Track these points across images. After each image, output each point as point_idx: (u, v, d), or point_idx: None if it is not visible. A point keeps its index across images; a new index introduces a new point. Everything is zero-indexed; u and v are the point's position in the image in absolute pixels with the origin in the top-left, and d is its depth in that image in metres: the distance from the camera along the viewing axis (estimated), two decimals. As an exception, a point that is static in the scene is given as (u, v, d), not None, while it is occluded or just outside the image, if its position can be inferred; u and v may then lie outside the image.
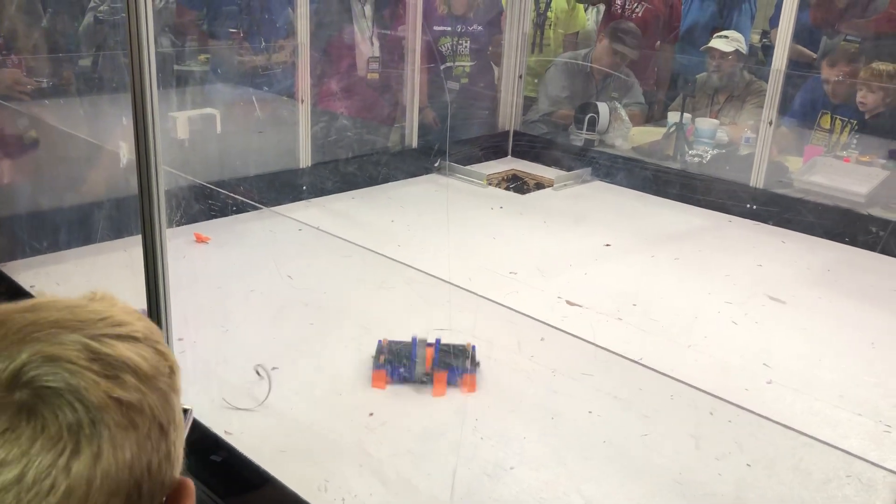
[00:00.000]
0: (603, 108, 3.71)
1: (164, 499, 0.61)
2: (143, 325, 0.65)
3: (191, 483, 0.64)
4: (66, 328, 0.59)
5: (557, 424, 1.72)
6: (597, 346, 1.42)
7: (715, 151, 3.47)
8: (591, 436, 1.70)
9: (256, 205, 2.48)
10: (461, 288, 1.44)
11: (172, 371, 0.64)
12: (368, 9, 3.58)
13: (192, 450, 1.39)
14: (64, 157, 2.54)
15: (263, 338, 2.03)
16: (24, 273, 2.29)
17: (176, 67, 3.27)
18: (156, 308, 1.49)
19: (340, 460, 1.52)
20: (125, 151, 1.57)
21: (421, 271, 1.51)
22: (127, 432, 0.57)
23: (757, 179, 3.16)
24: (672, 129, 3.57)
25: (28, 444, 0.53)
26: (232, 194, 2.28)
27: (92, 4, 3.05)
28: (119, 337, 0.61)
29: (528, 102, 4.09)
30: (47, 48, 2.77)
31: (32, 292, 2.16)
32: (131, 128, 1.38)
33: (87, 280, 2.24)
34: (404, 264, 1.57)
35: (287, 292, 2.26)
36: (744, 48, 3.62)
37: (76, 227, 2.43)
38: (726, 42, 3.57)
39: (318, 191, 3.11)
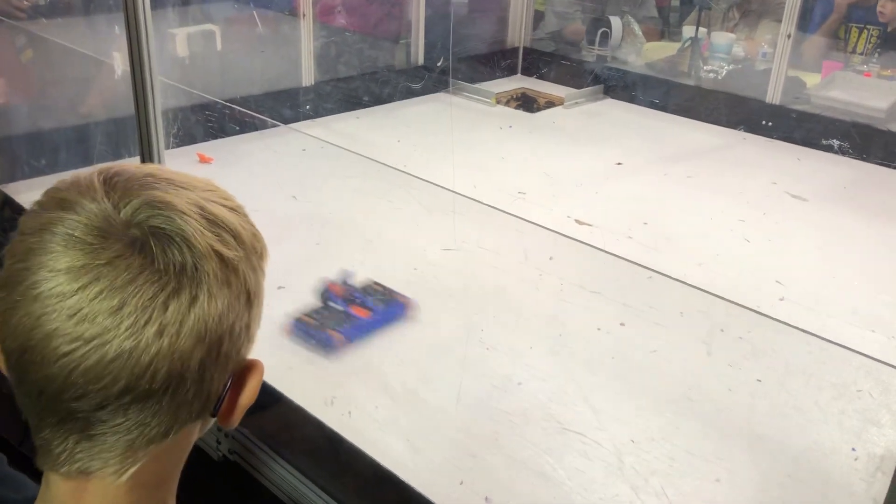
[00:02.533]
0: (616, 22, 3.59)
1: (233, 372, 0.64)
2: (244, 210, 0.69)
3: (261, 364, 0.67)
4: (179, 186, 0.63)
5: (565, 336, 1.71)
6: (606, 252, 1.39)
7: (731, 67, 3.37)
8: (600, 348, 1.68)
9: (266, 119, 2.41)
10: (465, 196, 1.40)
11: (263, 253, 0.68)
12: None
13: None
14: (61, 75, 2.48)
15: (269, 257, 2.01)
16: (26, 194, 2.26)
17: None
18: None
19: (346, 377, 1.51)
20: (119, 62, 1.51)
21: (424, 180, 1.47)
22: (221, 287, 0.60)
23: (773, 95, 3.07)
24: (687, 44, 3.46)
25: (136, 273, 0.56)
26: (240, 108, 2.21)
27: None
28: (224, 205, 0.64)
29: (539, 17, 3.96)
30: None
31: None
32: (124, 37, 1.33)
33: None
34: (407, 174, 1.52)
35: (291, 211, 2.23)
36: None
37: (75, 147, 2.39)
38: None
39: (322, 110, 3.04)
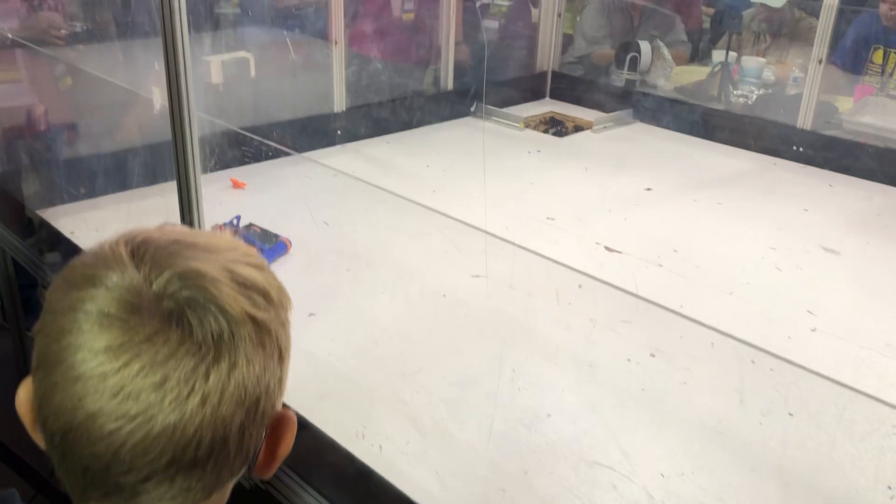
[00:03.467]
0: (645, 46, 3.60)
1: (268, 424, 0.66)
2: (265, 261, 0.70)
3: (293, 415, 0.70)
4: (205, 250, 0.64)
5: (595, 374, 1.70)
6: (635, 295, 1.39)
7: (761, 91, 3.36)
8: (629, 385, 1.68)
9: (288, 150, 2.45)
10: (496, 237, 1.41)
11: (289, 305, 0.69)
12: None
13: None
14: (99, 103, 2.54)
15: (300, 283, 2.03)
16: (63, 219, 2.31)
17: (208, 9, 3.22)
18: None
19: (377, 408, 1.52)
20: (158, 97, 1.55)
21: (455, 219, 1.48)
22: (257, 349, 0.62)
23: (804, 120, 3.05)
24: (717, 69, 3.45)
25: (175, 346, 0.57)
26: (265, 140, 2.26)
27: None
28: (250, 264, 0.66)
29: (567, 41, 3.98)
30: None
31: (73, 238, 2.19)
32: (163, 73, 1.36)
33: (125, 226, 2.24)
34: (438, 212, 1.54)
35: (322, 239, 2.25)
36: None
37: (112, 173, 2.44)
38: (778, -7, 3.41)
39: (352, 135, 3.08)
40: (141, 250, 0.62)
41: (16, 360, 2.78)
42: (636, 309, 1.61)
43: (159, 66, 1.35)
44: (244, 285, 0.63)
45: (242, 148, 2.64)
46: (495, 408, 1.42)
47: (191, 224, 1.48)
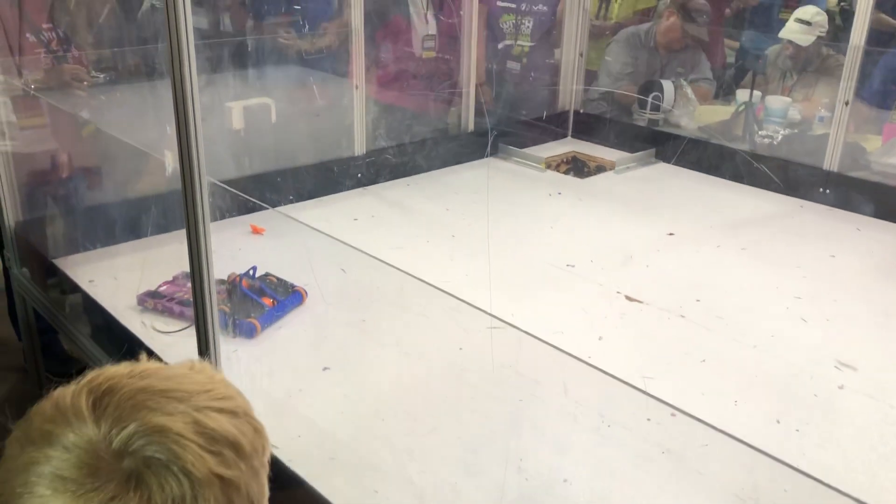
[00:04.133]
0: (668, 86, 3.57)
1: None
2: (242, 401, 0.69)
3: None
4: (174, 398, 0.62)
5: (614, 427, 1.66)
6: (650, 395, 1.35)
7: (786, 131, 3.30)
8: (649, 441, 1.62)
9: (263, 205, 2.44)
10: (504, 322, 1.38)
11: (265, 448, 0.68)
12: (424, -15, 3.51)
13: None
14: (115, 154, 2.56)
15: (315, 335, 2.02)
16: (82, 268, 2.32)
17: (230, 54, 3.26)
18: (201, 308, 1.48)
19: (384, 482, 1.48)
20: (170, 160, 1.56)
21: (462, 301, 1.45)
22: (255, 478, 0.63)
23: (831, 162, 2.99)
24: (741, 108, 3.41)
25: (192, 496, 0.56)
26: (245, 195, 2.26)
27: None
28: (222, 411, 0.64)
29: (590, 79, 3.96)
30: (106, 41, 2.79)
31: (89, 288, 2.19)
32: (174, 136, 1.36)
33: (141, 275, 2.25)
34: (445, 293, 1.51)
35: (339, 285, 2.23)
36: (825, 30, 3.41)
37: (129, 222, 2.45)
38: (806, 31, 3.36)
39: (373, 178, 3.08)
40: (104, 402, 0.60)
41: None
42: (648, 408, 1.55)
43: (171, 130, 1.35)
44: (213, 438, 0.60)
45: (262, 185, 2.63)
46: (508, 466, 1.37)
47: (200, 275, 1.46)
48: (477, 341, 1.83)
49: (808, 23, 3.41)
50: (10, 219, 2.48)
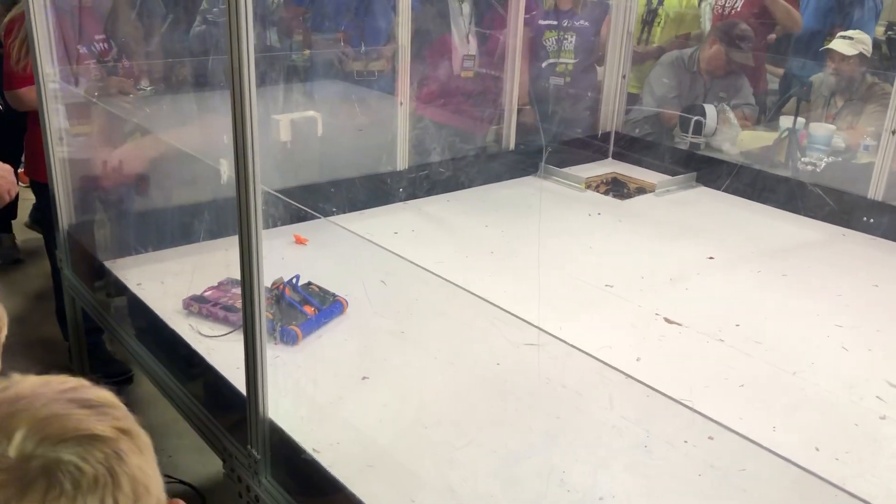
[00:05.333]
0: (710, 110, 3.57)
1: None
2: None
3: (181, 502, 0.71)
4: (33, 396, 0.65)
5: (651, 448, 1.66)
6: (697, 412, 1.35)
7: (830, 159, 3.28)
8: (686, 463, 1.62)
9: (315, 214, 2.48)
10: (549, 334, 1.39)
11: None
12: (466, 6, 3.55)
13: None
14: (166, 161, 2.63)
15: (355, 345, 2.05)
16: (131, 270, 2.38)
17: (280, 65, 3.33)
18: (250, 314, 1.52)
19: (423, 490, 1.50)
20: (225, 168, 1.61)
21: (508, 312, 1.47)
22: (140, 456, 0.65)
23: (876, 191, 2.97)
24: (784, 134, 3.40)
25: (73, 493, 0.58)
26: (298, 204, 2.30)
27: (203, 7, 3.15)
28: (76, 389, 0.68)
29: (632, 101, 3.97)
30: (161, 54, 2.87)
31: (138, 291, 2.25)
32: (231, 146, 1.41)
33: (189, 279, 2.30)
34: (492, 304, 1.52)
35: (380, 298, 2.26)
36: (868, 51, 3.40)
37: (178, 228, 2.51)
38: (849, 44, 3.37)
39: (414, 193, 3.12)
40: None
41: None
42: (694, 425, 1.54)
43: (228, 140, 1.40)
44: (94, 406, 0.65)
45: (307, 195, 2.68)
46: (546, 484, 1.38)
47: (250, 281, 1.50)
48: (522, 353, 1.84)
49: (850, 38, 3.41)
50: (64, 221, 2.55)
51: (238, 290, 2.15)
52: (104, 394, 0.68)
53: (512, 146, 3.51)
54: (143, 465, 0.64)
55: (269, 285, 2.10)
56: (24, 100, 2.83)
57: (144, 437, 0.67)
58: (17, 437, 0.60)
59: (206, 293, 2.18)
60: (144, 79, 2.89)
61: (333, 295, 2.18)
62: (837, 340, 2.19)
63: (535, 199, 3.28)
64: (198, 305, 2.13)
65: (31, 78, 2.75)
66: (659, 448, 1.66)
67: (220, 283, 2.23)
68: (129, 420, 0.67)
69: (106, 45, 2.90)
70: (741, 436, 1.21)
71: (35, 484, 0.58)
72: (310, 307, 2.09)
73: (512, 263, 2.59)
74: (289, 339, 1.98)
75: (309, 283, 2.21)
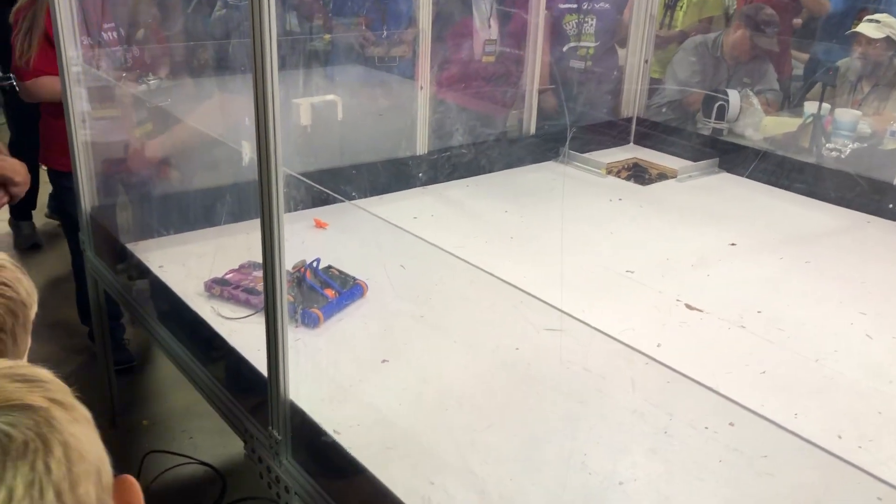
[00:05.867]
0: (733, 95, 3.53)
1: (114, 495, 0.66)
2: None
3: (133, 479, 0.69)
4: None
5: (671, 434, 1.65)
6: (722, 395, 1.34)
7: (855, 145, 3.24)
8: (706, 450, 1.61)
9: (339, 197, 2.48)
10: (573, 317, 1.39)
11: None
12: (487, -10, 3.54)
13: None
14: (188, 145, 2.64)
15: (374, 328, 2.05)
16: (153, 253, 2.40)
17: (300, 49, 3.33)
18: (272, 296, 1.52)
19: (444, 472, 1.50)
20: (247, 150, 1.61)
21: (532, 296, 1.47)
22: (74, 424, 0.62)
23: (902, 177, 2.93)
24: (809, 120, 3.36)
25: (2, 461, 0.56)
26: (320, 186, 2.29)
27: (222, -9, 3.15)
28: (13, 367, 0.66)
29: (654, 85, 3.94)
30: (182, 37, 2.88)
31: (160, 273, 2.27)
32: (253, 128, 1.41)
33: (211, 261, 2.31)
34: (515, 287, 1.52)
35: (399, 282, 2.27)
36: (895, 32, 3.35)
37: (200, 211, 2.52)
38: (876, 27, 3.31)
39: (434, 178, 3.11)
40: None
41: (109, 389, 2.89)
42: (717, 410, 1.53)
43: (250, 122, 1.40)
44: (28, 380, 0.64)
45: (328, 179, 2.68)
46: (565, 489, 1.38)
47: (272, 264, 1.50)
48: (544, 337, 1.84)
49: (877, 21, 3.35)
50: (87, 204, 2.57)
51: (259, 273, 2.17)
52: (41, 371, 0.67)
53: (533, 131, 3.49)
54: (77, 433, 0.62)
55: (290, 268, 2.11)
56: (32, 92, 2.85)
57: (82, 410, 0.66)
58: None
59: (228, 276, 2.19)
60: (158, 68, 2.90)
61: (353, 278, 2.18)
62: (861, 328, 2.17)
63: (555, 184, 3.26)
64: (219, 288, 2.14)
65: (35, 70, 2.78)
66: (682, 432, 1.66)
67: (242, 266, 2.24)
68: (64, 393, 0.66)
69: (114, 35, 2.90)
70: (768, 420, 1.19)
71: None
72: (330, 290, 2.10)
73: (532, 249, 2.58)
74: (310, 321, 1.99)
75: (329, 267, 2.22)
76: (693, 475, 1.55)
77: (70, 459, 0.59)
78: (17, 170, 2.43)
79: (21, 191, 2.46)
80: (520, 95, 3.49)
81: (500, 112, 3.53)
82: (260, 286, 2.08)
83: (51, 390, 0.64)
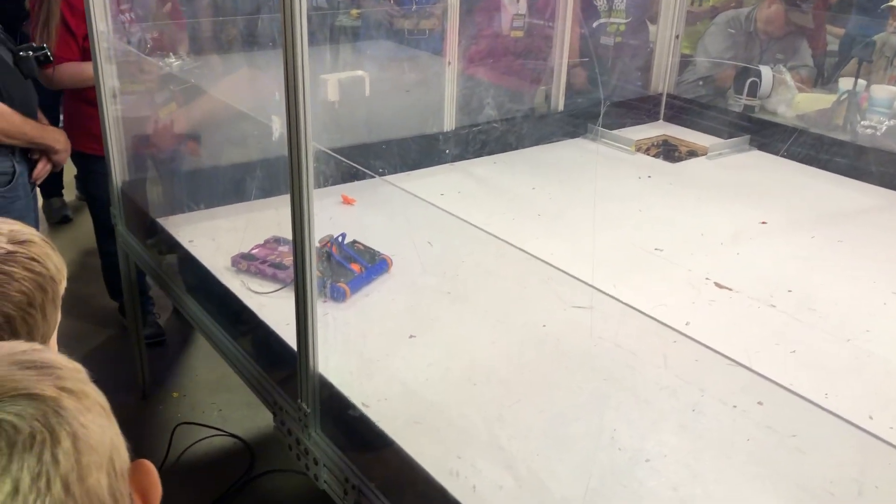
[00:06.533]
0: (766, 72, 3.47)
1: (130, 480, 0.64)
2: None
3: (148, 462, 0.68)
4: None
5: (699, 412, 1.65)
6: (756, 373, 1.33)
7: (891, 122, 3.17)
8: (734, 428, 1.61)
9: (369, 173, 2.48)
10: (604, 293, 1.38)
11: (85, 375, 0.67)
12: (518, -35, 3.50)
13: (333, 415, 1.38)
14: (217, 120, 2.65)
15: (401, 304, 2.06)
16: (183, 228, 2.42)
17: (328, 24, 3.32)
18: (301, 271, 1.53)
19: (471, 446, 1.51)
20: (277, 125, 1.61)
21: (562, 271, 1.46)
22: (85, 414, 0.60)
23: (939, 155, 2.87)
24: (844, 97, 3.29)
25: (9, 451, 0.55)
26: (349, 161, 2.29)
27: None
28: (26, 352, 0.64)
29: (685, 62, 3.88)
30: (210, 12, 2.88)
31: (191, 247, 2.29)
32: (283, 103, 1.41)
33: (240, 236, 2.33)
34: (543, 261, 1.51)
35: (426, 258, 2.27)
36: (933, 4, 3.27)
37: (230, 186, 2.54)
38: (914, 1, 3.24)
39: (461, 154, 3.10)
40: None
41: (140, 362, 2.94)
42: (752, 386, 1.52)
43: (280, 97, 1.40)
44: (38, 367, 0.62)
45: (355, 167, 2.69)
46: (594, 465, 1.38)
47: (301, 239, 1.51)
48: (574, 313, 1.83)
49: (914, -6, 3.28)
50: (118, 178, 2.60)
51: (284, 248, 2.19)
52: (54, 356, 0.65)
53: (561, 107, 3.46)
54: (88, 422, 0.60)
55: (317, 244, 2.12)
56: (55, 79, 2.86)
57: (96, 397, 0.64)
58: None
59: (254, 251, 2.21)
60: (178, 48, 2.90)
61: (378, 253, 2.19)
62: (894, 308, 2.14)
63: (583, 160, 3.23)
64: (246, 263, 2.16)
65: (57, 59, 2.79)
66: (713, 409, 1.65)
67: (266, 241, 2.26)
68: (76, 381, 0.63)
69: (131, 16, 2.91)
70: (801, 397, 1.18)
71: None
72: (356, 265, 2.11)
73: (559, 226, 2.57)
74: (338, 295, 2.00)
75: (354, 242, 2.22)
76: (723, 452, 1.55)
77: (79, 450, 0.58)
78: (58, 138, 2.47)
79: (62, 158, 2.51)
80: (548, 71, 3.46)
81: (528, 87, 3.50)
82: (286, 260, 2.10)
83: (62, 378, 0.62)
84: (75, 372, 0.65)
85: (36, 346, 0.67)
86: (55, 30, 2.76)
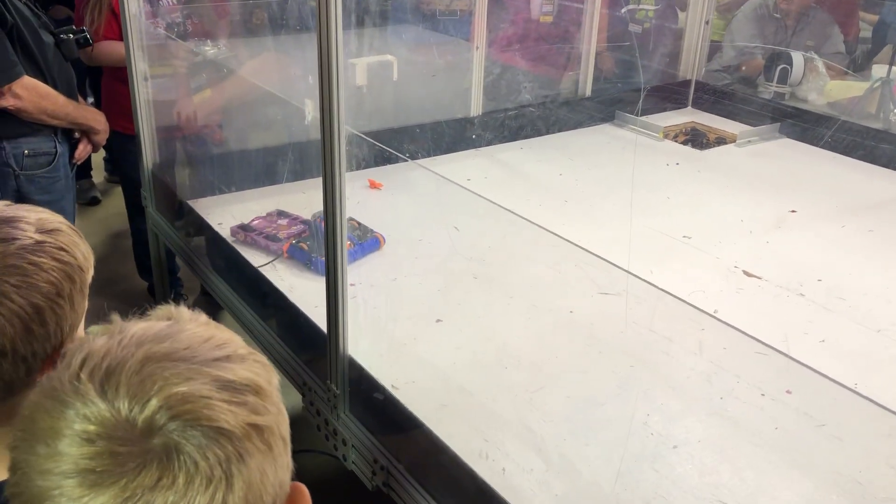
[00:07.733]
0: (797, 58, 3.43)
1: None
2: (238, 339, 0.67)
3: (304, 487, 0.68)
4: (181, 359, 0.59)
5: (727, 400, 1.64)
6: (793, 359, 1.33)
7: (925, 111, 3.13)
8: (763, 416, 1.60)
9: (402, 156, 2.48)
10: (639, 277, 1.38)
11: (275, 380, 0.66)
12: (547, -52, 3.47)
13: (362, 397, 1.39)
14: (248, 102, 2.66)
15: (429, 288, 2.07)
16: (213, 210, 2.44)
17: (358, 8, 3.32)
18: (332, 255, 1.55)
19: (501, 430, 1.52)
20: (310, 108, 1.62)
21: (598, 256, 1.46)
22: (265, 456, 0.59)
23: (974, 145, 2.83)
24: (877, 85, 3.25)
25: (184, 489, 0.54)
26: (382, 145, 2.29)
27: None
28: (230, 358, 0.62)
29: (714, 49, 3.84)
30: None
31: (220, 230, 2.31)
32: (316, 87, 1.42)
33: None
34: (578, 246, 1.52)
35: (452, 242, 2.27)
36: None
37: (260, 169, 2.56)
38: (950, -13, 3.18)
39: (488, 139, 3.09)
40: (111, 382, 0.57)
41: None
42: (788, 372, 1.52)
43: (313, 81, 1.41)
44: (235, 389, 0.59)
45: (385, 151, 2.70)
46: (625, 449, 1.39)
47: (333, 220, 1.52)
48: (607, 297, 1.83)
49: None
50: (149, 161, 2.62)
51: (283, 221, 2.22)
52: (250, 374, 0.62)
53: (589, 93, 3.44)
54: (265, 466, 0.59)
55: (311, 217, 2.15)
56: (94, 56, 2.94)
57: (279, 431, 0.62)
58: (152, 405, 0.56)
59: (254, 222, 2.24)
60: (216, 33, 2.92)
61: (371, 230, 2.21)
62: (926, 299, 2.12)
63: (610, 147, 3.22)
64: (243, 234, 2.19)
65: (103, 38, 2.86)
66: (747, 395, 1.65)
67: (269, 214, 2.30)
68: (265, 409, 0.61)
69: (172, 1, 2.93)
70: (837, 382, 1.18)
71: (151, 466, 0.54)
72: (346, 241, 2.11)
73: (586, 212, 2.57)
74: (322, 269, 2.00)
75: (350, 219, 2.21)
76: (753, 440, 1.55)
77: (249, 501, 0.58)
78: (98, 119, 2.51)
79: (102, 139, 2.55)
80: (576, 57, 3.44)
81: (556, 73, 3.48)
82: (281, 233, 2.13)
83: (254, 410, 0.59)
84: (266, 394, 0.62)
85: (238, 347, 0.64)
86: (105, 12, 2.82)
